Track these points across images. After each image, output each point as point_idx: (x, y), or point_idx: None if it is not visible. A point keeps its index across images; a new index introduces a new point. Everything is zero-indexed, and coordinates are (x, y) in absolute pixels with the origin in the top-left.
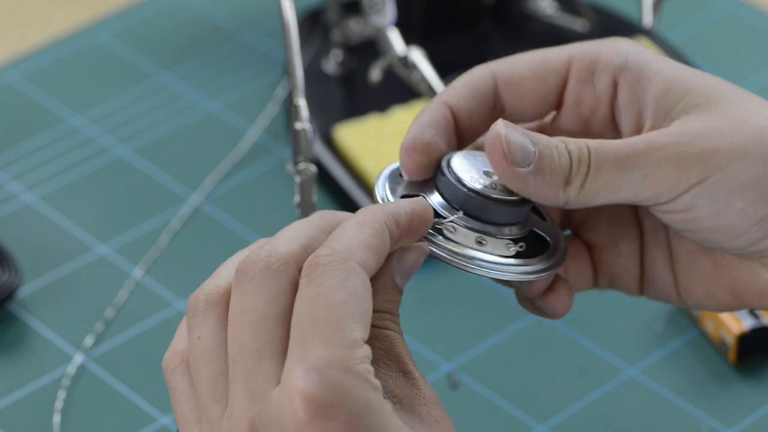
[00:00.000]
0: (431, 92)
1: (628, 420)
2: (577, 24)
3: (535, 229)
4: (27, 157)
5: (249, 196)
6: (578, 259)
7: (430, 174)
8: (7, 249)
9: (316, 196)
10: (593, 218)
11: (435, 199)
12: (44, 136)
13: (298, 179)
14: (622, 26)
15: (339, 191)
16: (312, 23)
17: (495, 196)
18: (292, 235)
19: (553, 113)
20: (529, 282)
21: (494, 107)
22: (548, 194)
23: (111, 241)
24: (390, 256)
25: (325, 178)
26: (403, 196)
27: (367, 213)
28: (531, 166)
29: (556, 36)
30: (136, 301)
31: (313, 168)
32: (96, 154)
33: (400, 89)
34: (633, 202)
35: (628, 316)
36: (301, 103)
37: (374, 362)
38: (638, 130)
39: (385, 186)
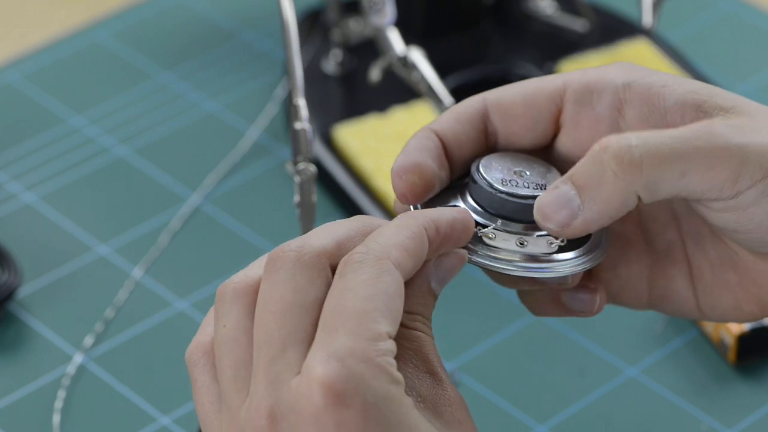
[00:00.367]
0: (431, 92)
1: (628, 420)
2: (577, 24)
3: None
4: (27, 157)
5: (249, 196)
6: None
7: (423, 197)
8: (7, 249)
9: (315, 196)
10: None
11: (467, 207)
12: (44, 136)
13: (297, 179)
14: (622, 26)
15: (339, 191)
16: (312, 23)
17: (531, 195)
18: (327, 232)
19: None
20: (574, 275)
21: (485, 132)
22: (617, 211)
23: (111, 241)
24: (428, 260)
25: (324, 178)
26: None
27: (407, 217)
28: (581, 207)
29: (556, 36)
30: (135, 301)
31: (312, 168)
32: (96, 154)
33: (400, 89)
34: (692, 196)
35: (628, 316)
36: (301, 102)
37: (402, 361)
38: None
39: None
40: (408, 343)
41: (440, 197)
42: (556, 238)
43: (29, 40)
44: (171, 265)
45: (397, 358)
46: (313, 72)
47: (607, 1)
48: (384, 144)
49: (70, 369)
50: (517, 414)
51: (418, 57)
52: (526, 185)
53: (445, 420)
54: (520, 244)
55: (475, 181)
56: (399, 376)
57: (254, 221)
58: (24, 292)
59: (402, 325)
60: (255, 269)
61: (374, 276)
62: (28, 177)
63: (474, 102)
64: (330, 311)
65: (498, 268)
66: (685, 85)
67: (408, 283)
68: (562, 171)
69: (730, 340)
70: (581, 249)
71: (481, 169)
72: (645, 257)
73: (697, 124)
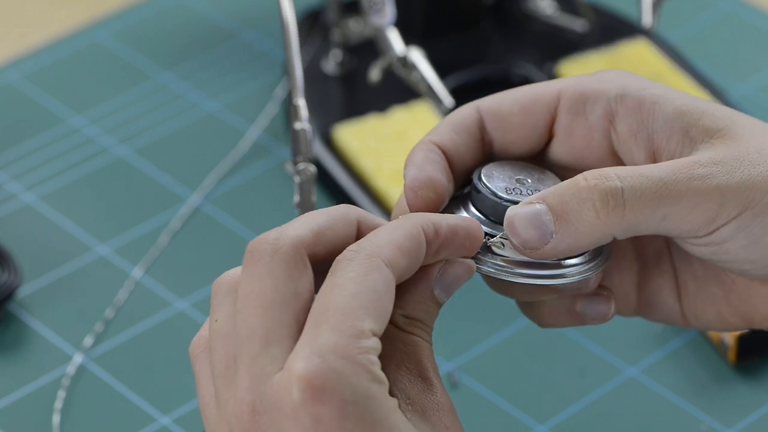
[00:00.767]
0: (431, 92)
1: (628, 420)
2: (577, 24)
3: None
4: (27, 157)
5: (249, 196)
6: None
7: (437, 210)
8: (7, 249)
9: (315, 196)
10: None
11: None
12: (44, 136)
13: (297, 179)
14: (622, 26)
15: (338, 191)
16: (312, 23)
17: None
18: (305, 221)
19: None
20: (586, 280)
21: (482, 141)
22: (590, 246)
23: (111, 241)
24: (432, 266)
25: (324, 178)
26: None
27: (406, 217)
28: (554, 235)
29: (556, 36)
30: (135, 301)
31: (312, 168)
32: (96, 154)
33: (400, 89)
34: (670, 235)
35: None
36: (301, 103)
37: (395, 362)
38: (653, 157)
39: None
40: (404, 346)
41: (444, 210)
42: None
43: (29, 40)
44: (171, 265)
45: (389, 359)
46: (313, 72)
47: (607, 1)
48: (384, 144)
49: (70, 369)
50: (517, 414)
51: (418, 57)
52: (530, 192)
53: (432, 424)
54: None
55: (478, 191)
56: (381, 375)
57: (254, 221)
58: (24, 292)
59: (400, 328)
60: None
61: (363, 273)
62: (28, 177)
63: (469, 111)
64: (317, 307)
65: (513, 277)
66: (676, 102)
67: (410, 288)
68: (558, 177)
69: (730, 340)
70: (588, 254)
71: (483, 179)
72: (635, 264)
73: (681, 162)
